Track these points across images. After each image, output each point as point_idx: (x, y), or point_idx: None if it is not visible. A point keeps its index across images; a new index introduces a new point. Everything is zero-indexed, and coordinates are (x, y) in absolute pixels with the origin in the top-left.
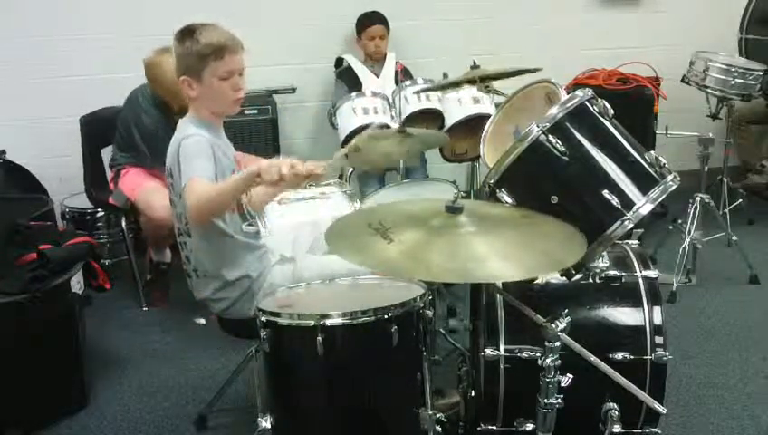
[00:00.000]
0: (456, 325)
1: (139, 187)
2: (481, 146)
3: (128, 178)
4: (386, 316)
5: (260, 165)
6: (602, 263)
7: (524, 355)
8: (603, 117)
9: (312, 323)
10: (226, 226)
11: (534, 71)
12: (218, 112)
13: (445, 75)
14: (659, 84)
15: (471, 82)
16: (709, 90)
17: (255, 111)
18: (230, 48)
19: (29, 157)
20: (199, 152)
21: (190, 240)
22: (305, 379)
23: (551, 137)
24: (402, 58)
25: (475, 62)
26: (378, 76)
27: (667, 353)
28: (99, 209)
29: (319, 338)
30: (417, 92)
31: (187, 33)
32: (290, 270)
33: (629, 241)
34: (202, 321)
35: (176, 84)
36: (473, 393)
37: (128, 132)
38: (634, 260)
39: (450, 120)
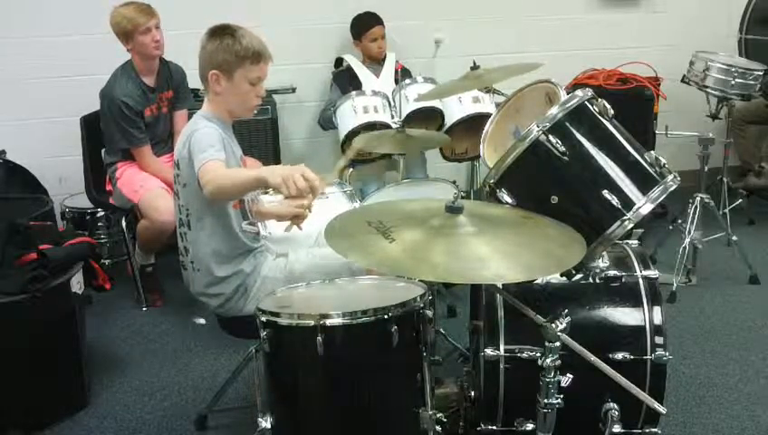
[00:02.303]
0: None
1: (142, 188)
2: (481, 146)
3: (126, 179)
4: (386, 316)
5: (272, 177)
6: (602, 263)
7: (524, 355)
8: (603, 117)
9: (311, 323)
10: (233, 221)
11: (535, 66)
12: (236, 113)
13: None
14: (659, 84)
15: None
16: (709, 90)
17: (255, 111)
18: (265, 56)
19: (29, 157)
20: (213, 142)
21: (190, 232)
22: (305, 379)
23: (551, 137)
24: (402, 58)
25: (474, 63)
26: (377, 76)
27: (667, 353)
28: (99, 209)
29: (319, 338)
30: (419, 93)
31: (228, 32)
32: (283, 263)
33: (629, 241)
34: (202, 321)
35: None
36: (473, 393)
37: (116, 124)
38: (634, 260)
39: (450, 120)
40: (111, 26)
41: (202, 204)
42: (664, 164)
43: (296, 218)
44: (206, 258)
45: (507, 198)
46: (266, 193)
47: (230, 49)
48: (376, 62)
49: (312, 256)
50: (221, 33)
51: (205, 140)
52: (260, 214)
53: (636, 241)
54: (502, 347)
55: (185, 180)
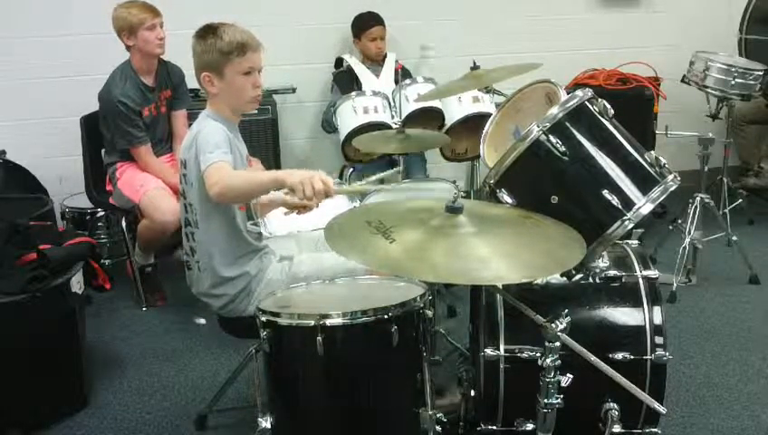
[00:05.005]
0: None
1: (142, 188)
2: (481, 146)
3: (126, 179)
4: (386, 316)
5: (291, 178)
6: (602, 263)
7: (524, 355)
8: (603, 117)
9: (312, 323)
10: (239, 221)
11: (535, 66)
12: (237, 109)
13: (475, 65)
14: (659, 84)
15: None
16: (709, 90)
17: (255, 111)
18: (252, 45)
19: (29, 157)
20: (219, 142)
21: (198, 231)
22: (305, 379)
23: (551, 137)
24: (402, 58)
25: (474, 63)
26: (377, 76)
27: (667, 353)
28: (99, 209)
29: (319, 338)
30: (419, 93)
31: (210, 31)
32: (287, 267)
33: (629, 241)
34: (202, 321)
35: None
36: (473, 393)
37: (116, 124)
38: (634, 260)
39: (450, 120)
40: (115, 21)
41: (209, 204)
42: (664, 164)
43: (303, 209)
44: (213, 258)
45: (507, 198)
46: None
47: (214, 48)
48: (376, 62)
49: (315, 261)
50: (204, 33)
51: (211, 139)
52: (267, 205)
53: (636, 241)
54: (502, 347)
55: (192, 180)
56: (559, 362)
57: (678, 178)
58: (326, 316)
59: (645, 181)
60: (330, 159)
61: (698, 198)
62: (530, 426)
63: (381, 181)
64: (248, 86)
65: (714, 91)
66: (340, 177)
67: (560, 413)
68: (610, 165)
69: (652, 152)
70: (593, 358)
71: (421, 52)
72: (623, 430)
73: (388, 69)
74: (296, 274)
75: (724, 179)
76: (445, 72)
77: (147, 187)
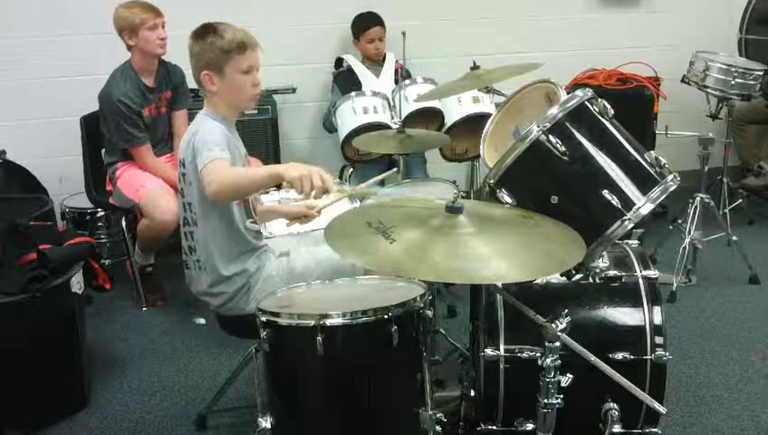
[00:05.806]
0: None
1: (143, 188)
2: (481, 146)
3: (126, 179)
4: (386, 316)
5: (289, 172)
6: (602, 263)
7: (524, 355)
8: (603, 117)
9: (312, 323)
10: (237, 219)
11: (535, 66)
12: (237, 106)
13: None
14: (659, 84)
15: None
16: (709, 90)
17: (255, 111)
18: (251, 44)
19: (29, 157)
20: (218, 140)
21: (197, 230)
22: (305, 379)
23: (551, 137)
24: (402, 58)
25: (474, 63)
26: (377, 76)
27: (667, 353)
28: (99, 209)
29: (319, 338)
30: (418, 93)
31: (210, 30)
32: (285, 261)
33: (629, 241)
34: (202, 321)
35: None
36: (473, 393)
37: (116, 124)
38: (634, 260)
39: (450, 120)
40: (116, 21)
41: (208, 202)
42: (664, 164)
43: (305, 218)
44: (212, 257)
45: (507, 198)
46: (266, 193)
47: (214, 46)
48: (376, 62)
49: (312, 255)
50: (203, 33)
51: (209, 138)
52: (268, 213)
53: (636, 241)
54: (502, 347)
55: (190, 179)
56: (559, 362)
57: (678, 178)
58: (326, 316)
59: (645, 181)
60: (330, 159)
61: (698, 198)
62: (530, 426)
63: (382, 183)
64: (248, 84)
65: (714, 91)
66: (340, 177)
67: (560, 413)
68: (610, 165)
69: (652, 152)
70: (593, 358)
71: None
72: (623, 430)
73: (388, 69)
74: (293, 268)
75: (724, 179)
76: (445, 73)
77: (147, 186)
